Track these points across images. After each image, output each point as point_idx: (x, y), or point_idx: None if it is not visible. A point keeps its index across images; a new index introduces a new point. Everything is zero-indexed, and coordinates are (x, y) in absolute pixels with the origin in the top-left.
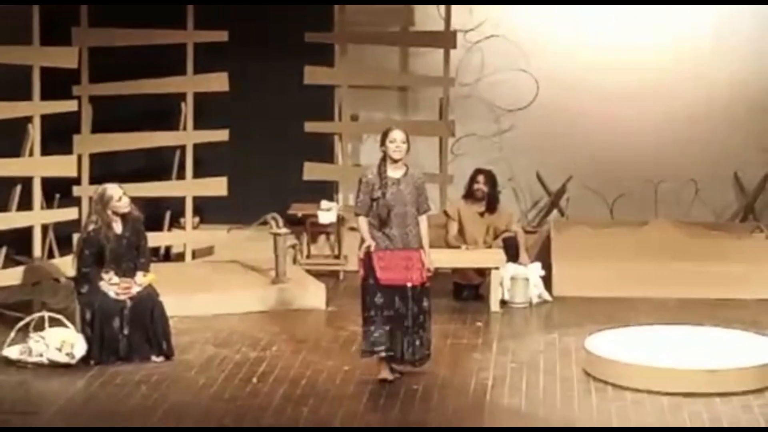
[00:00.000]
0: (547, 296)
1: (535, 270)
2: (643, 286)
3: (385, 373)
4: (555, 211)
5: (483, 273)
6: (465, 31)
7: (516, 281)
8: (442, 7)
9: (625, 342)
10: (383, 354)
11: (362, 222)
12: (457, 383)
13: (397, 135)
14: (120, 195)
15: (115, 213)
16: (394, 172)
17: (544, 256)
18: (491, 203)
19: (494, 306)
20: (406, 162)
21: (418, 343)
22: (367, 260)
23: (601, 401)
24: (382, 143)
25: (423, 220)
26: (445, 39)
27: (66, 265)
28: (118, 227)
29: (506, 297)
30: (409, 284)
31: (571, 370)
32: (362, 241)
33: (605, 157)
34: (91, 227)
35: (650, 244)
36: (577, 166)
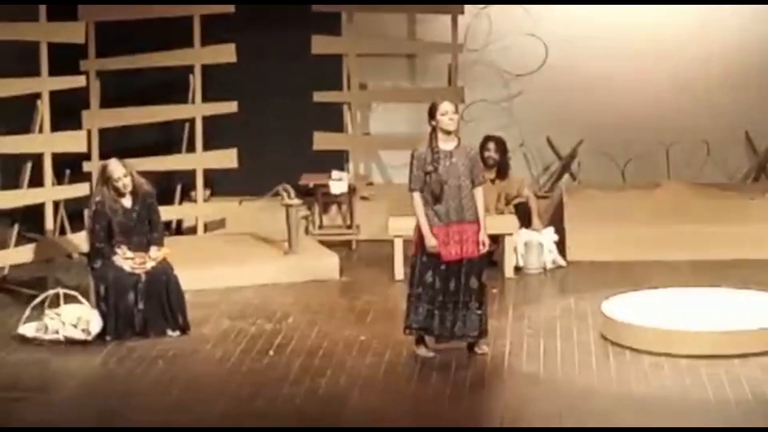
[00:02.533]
0: (561, 261)
1: (549, 235)
2: (657, 248)
3: (425, 351)
4: (566, 176)
5: (496, 239)
6: None
7: (530, 247)
8: None
9: (641, 305)
10: (429, 333)
11: (417, 199)
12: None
13: (448, 107)
14: (120, 175)
15: (116, 190)
16: (446, 145)
17: (556, 221)
18: (502, 170)
19: (509, 272)
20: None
21: (473, 317)
22: (420, 237)
23: (619, 365)
24: (432, 117)
25: (478, 192)
26: (453, 5)
27: (78, 241)
28: (127, 201)
29: (520, 263)
30: (464, 259)
31: (588, 335)
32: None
33: (616, 120)
34: (96, 200)
35: (663, 207)
36: (588, 130)
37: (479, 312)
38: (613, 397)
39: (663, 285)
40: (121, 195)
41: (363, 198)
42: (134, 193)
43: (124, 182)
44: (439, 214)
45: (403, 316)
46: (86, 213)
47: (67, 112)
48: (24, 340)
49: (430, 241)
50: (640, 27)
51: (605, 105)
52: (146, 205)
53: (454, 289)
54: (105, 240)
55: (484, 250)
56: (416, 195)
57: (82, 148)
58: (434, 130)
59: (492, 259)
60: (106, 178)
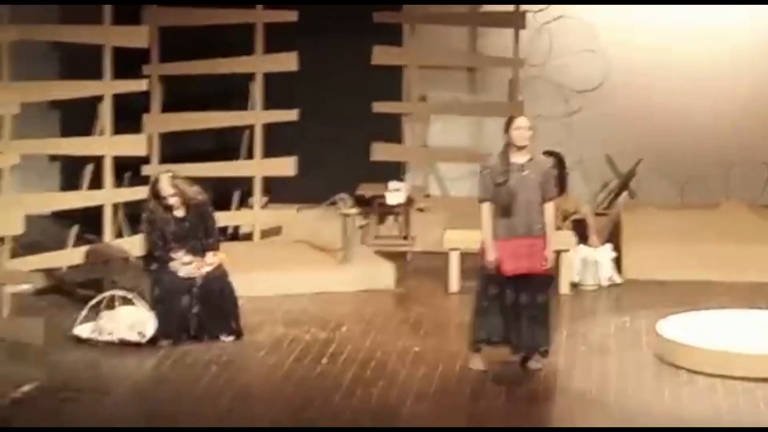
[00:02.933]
0: (617, 279)
1: (606, 252)
2: (715, 268)
3: (479, 363)
4: (625, 194)
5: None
6: (534, 11)
7: (586, 264)
8: None
9: (697, 326)
10: (494, 345)
11: (485, 210)
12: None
13: (522, 122)
14: (167, 194)
15: (165, 205)
16: (518, 158)
17: (614, 238)
18: (560, 186)
19: (564, 289)
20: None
21: (539, 333)
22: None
23: (673, 386)
24: (506, 130)
25: (549, 207)
26: (515, 19)
27: (136, 244)
28: (179, 212)
29: (576, 279)
30: (531, 273)
31: (642, 354)
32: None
33: (676, 140)
34: (149, 210)
35: (722, 227)
36: (648, 149)
37: (545, 326)
38: (666, 418)
39: (720, 306)
40: (171, 209)
41: (419, 209)
42: (187, 205)
43: (172, 201)
44: (506, 226)
45: (457, 329)
46: (143, 217)
47: (128, 115)
48: (79, 341)
49: (489, 255)
50: (703, 47)
51: (666, 124)
52: (199, 214)
53: (524, 302)
54: (161, 248)
55: (547, 266)
56: (485, 206)
57: (142, 151)
58: (508, 143)
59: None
60: (154, 193)
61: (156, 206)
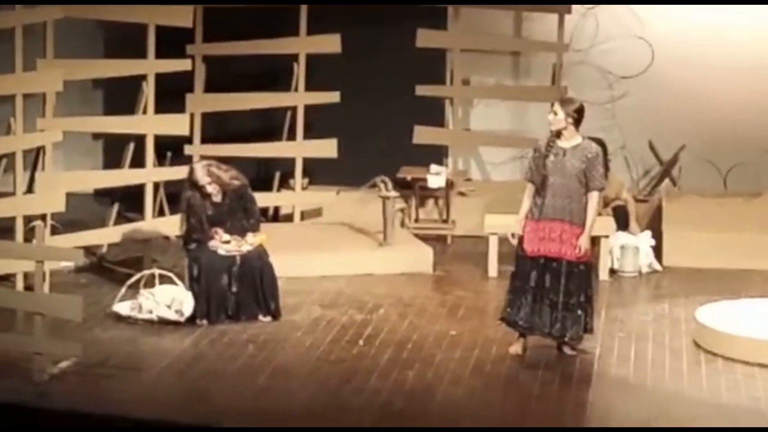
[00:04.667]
0: (657, 266)
1: (646, 239)
2: (755, 257)
3: (517, 348)
4: (667, 181)
5: (593, 241)
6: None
7: (626, 250)
8: None
9: (736, 314)
10: (522, 328)
11: (527, 189)
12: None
13: (553, 106)
14: (204, 183)
15: (203, 194)
16: (563, 142)
17: (655, 225)
18: None
19: (603, 275)
20: (577, 135)
21: (569, 321)
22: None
23: (710, 374)
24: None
25: (592, 197)
26: (560, 4)
27: (176, 223)
28: (217, 197)
29: (616, 266)
30: (563, 259)
31: (680, 341)
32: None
33: (720, 127)
34: (187, 196)
35: (764, 216)
36: (691, 135)
37: (580, 314)
38: (703, 406)
39: (760, 295)
40: (209, 196)
41: (460, 194)
42: (223, 190)
43: (209, 189)
44: (539, 208)
45: (495, 313)
46: (182, 202)
47: (171, 95)
48: (118, 318)
49: (514, 227)
50: (748, 34)
51: (709, 111)
52: (238, 197)
53: (555, 287)
54: (200, 230)
55: (579, 254)
56: (528, 185)
57: (185, 131)
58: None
59: (590, 262)
60: (192, 182)
61: (194, 193)
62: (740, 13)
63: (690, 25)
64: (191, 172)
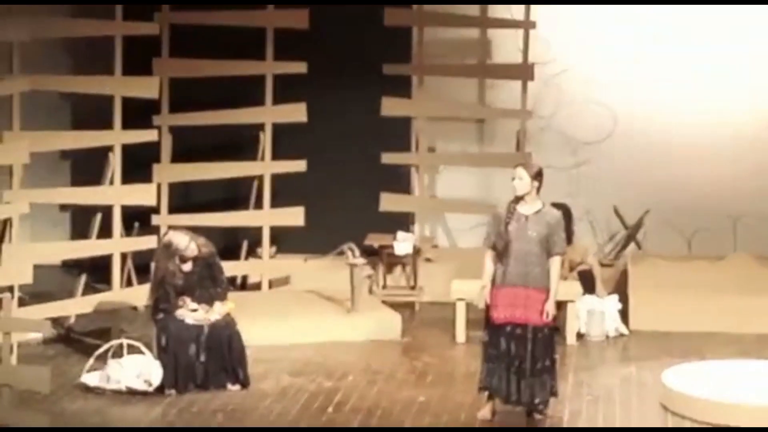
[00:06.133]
0: (623, 330)
1: (612, 303)
2: (721, 320)
3: (485, 413)
4: (632, 245)
5: (559, 306)
6: (542, 63)
7: (592, 314)
8: (520, 39)
9: (703, 376)
10: (496, 395)
11: (486, 256)
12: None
13: (516, 172)
14: (186, 244)
15: (183, 260)
16: (524, 208)
17: (621, 289)
18: (567, 236)
19: (570, 339)
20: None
21: (537, 387)
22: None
23: None
24: (512, 179)
25: (554, 261)
26: (523, 71)
27: (144, 293)
28: (187, 266)
29: (582, 330)
30: (529, 325)
31: (648, 404)
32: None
33: (684, 192)
34: (159, 274)
35: (728, 279)
36: (655, 200)
37: (545, 378)
38: None
39: (726, 357)
40: (186, 261)
41: (427, 260)
42: (194, 259)
43: (191, 248)
44: (502, 274)
45: (463, 379)
46: (152, 267)
47: (137, 165)
48: (86, 388)
49: (477, 298)
50: (711, 100)
51: (673, 176)
52: (207, 265)
53: (522, 354)
54: (168, 300)
55: (547, 320)
56: (487, 252)
57: (152, 201)
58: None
59: (554, 326)
60: (171, 252)
61: (167, 268)
62: (702, 76)
63: (652, 92)
64: (168, 241)
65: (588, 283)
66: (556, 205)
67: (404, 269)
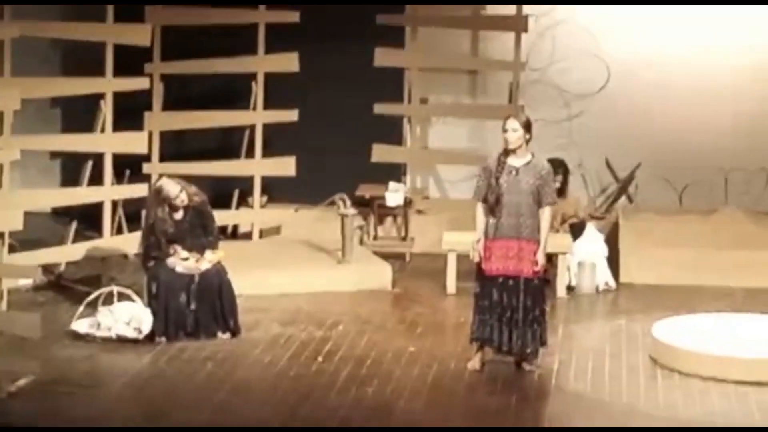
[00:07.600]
0: (613, 283)
1: (600, 249)
2: (711, 274)
3: (475, 363)
4: (623, 198)
5: (550, 258)
6: (537, 15)
7: (583, 267)
8: None
9: (692, 329)
10: (488, 345)
11: (477, 209)
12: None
13: (509, 124)
14: (177, 193)
15: (173, 208)
16: (514, 161)
17: (611, 242)
18: (561, 190)
19: (561, 291)
20: (530, 150)
21: (529, 336)
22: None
23: (666, 388)
24: (504, 131)
25: (545, 212)
26: (517, 23)
27: (135, 241)
28: (178, 214)
29: (573, 283)
30: (521, 276)
31: (637, 357)
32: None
33: (675, 145)
34: (150, 221)
35: (719, 232)
36: (647, 153)
37: (536, 329)
38: (659, 420)
39: (715, 310)
40: (177, 210)
41: (418, 211)
42: (185, 208)
43: (182, 198)
44: (495, 227)
45: (453, 329)
46: (143, 214)
47: (129, 113)
48: (76, 336)
49: (472, 251)
50: (704, 53)
51: (665, 129)
52: (198, 213)
53: (514, 305)
54: (159, 248)
55: (537, 269)
56: (478, 205)
57: (143, 149)
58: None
59: (545, 278)
60: (162, 199)
61: (158, 215)
62: (696, 29)
63: (646, 45)
64: (159, 190)
65: (579, 235)
66: (552, 160)
67: (395, 220)
